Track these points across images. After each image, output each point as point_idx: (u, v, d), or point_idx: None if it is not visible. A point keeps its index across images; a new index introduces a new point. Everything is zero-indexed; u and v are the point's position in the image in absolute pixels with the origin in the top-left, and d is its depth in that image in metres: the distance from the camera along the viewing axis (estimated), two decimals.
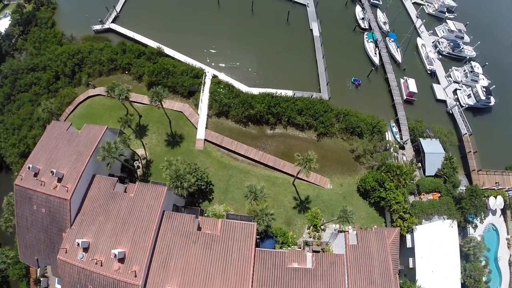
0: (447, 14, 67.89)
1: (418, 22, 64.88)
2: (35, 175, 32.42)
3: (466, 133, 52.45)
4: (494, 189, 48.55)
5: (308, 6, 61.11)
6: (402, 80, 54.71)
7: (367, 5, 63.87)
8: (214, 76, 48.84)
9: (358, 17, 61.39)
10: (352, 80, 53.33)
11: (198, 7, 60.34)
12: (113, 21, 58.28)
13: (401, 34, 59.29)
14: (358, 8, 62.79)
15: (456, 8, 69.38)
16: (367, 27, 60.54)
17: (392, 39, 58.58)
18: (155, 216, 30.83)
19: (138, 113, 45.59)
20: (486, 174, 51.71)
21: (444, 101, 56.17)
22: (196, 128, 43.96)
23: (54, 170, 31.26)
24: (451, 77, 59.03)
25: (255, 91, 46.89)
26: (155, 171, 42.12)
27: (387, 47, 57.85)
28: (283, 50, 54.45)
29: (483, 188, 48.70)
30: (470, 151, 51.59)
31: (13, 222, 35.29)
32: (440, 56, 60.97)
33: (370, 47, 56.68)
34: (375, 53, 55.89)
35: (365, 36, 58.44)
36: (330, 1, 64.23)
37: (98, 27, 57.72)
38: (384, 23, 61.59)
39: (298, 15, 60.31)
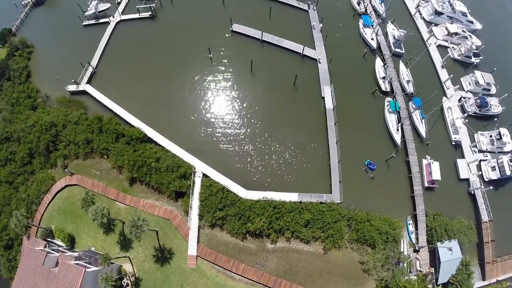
0: (473, 59, 58.35)
1: (443, 74, 55.64)
2: None
3: (486, 221, 47.81)
4: (507, 283, 46.43)
5: (319, 62, 51.09)
6: (424, 162, 47.69)
7: (389, 56, 53.56)
8: (205, 175, 41.85)
9: (378, 75, 51.77)
10: (366, 164, 46.48)
11: (188, 63, 51.02)
12: (89, 81, 49.75)
13: (426, 95, 50.64)
14: (378, 62, 52.80)
15: (482, 49, 59.52)
16: (388, 89, 51.41)
17: (417, 106, 50.09)
18: None
19: (120, 221, 40.18)
20: (500, 262, 48.62)
21: (467, 179, 50.29)
22: (187, 242, 38.93)
23: None
24: (476, 147, 52.31)
25: (254, 195, 40.34)
26: None
27: (410, 117, 49.58)
28: (287, 133, 46.12)
29: (496, 281, 46.49)
30: (488, 242, 47.64)
31: None
32: (466, 120, 53.02)
33: (391, 119, 48.37)
34: (397, 129, 47.86)
35: (386, 104, 49.80)
36: (345, 52, 53.52)
37: (73, 88, 49.44)
38: (408, 81, 52.30)
39: (307, 74, 50.41)
